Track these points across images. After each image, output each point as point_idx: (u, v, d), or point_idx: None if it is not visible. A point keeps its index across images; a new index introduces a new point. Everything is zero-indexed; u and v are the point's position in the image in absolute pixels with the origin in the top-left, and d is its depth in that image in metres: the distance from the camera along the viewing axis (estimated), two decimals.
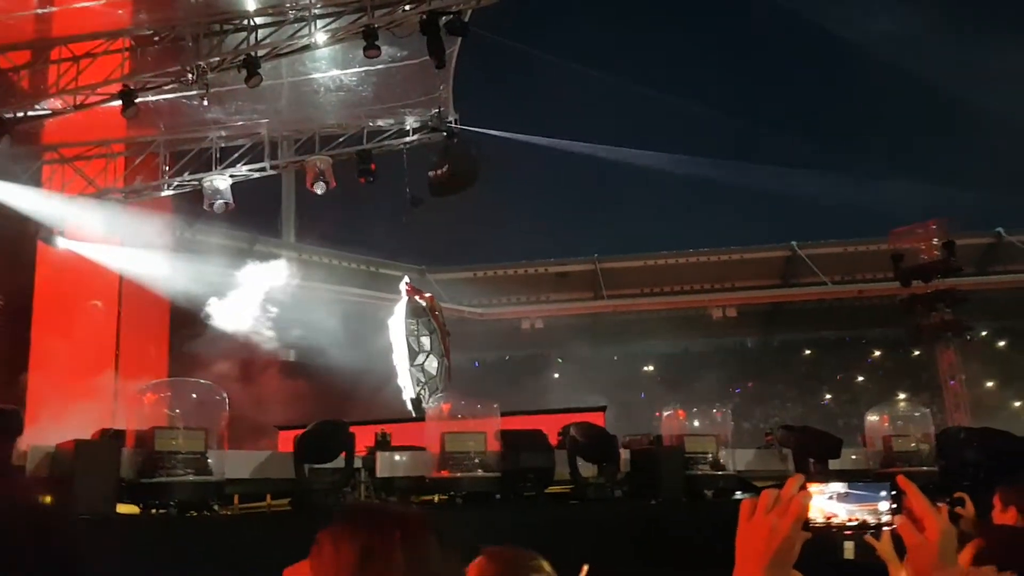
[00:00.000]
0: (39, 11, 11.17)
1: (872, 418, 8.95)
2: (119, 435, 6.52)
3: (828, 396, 30.87)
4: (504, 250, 29.55)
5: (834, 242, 29.29)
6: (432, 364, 12.57)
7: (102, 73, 11.30)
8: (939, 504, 1.46)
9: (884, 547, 2.09)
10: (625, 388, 23.46)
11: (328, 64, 11.76)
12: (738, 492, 7.98)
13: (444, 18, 10.35)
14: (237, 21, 10.78)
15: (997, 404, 25.80)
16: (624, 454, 8.17)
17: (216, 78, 11.23)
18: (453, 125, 13.11)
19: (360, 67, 11.64)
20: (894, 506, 1.45)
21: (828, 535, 1.42)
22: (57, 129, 13.05)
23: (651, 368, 29.96)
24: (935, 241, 21.94)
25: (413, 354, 12.49)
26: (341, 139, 13.72)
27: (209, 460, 6.47)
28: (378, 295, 18.66)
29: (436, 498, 7.70)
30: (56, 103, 11.85)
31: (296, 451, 7.15)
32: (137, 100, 11.15)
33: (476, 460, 7.65)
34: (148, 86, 11.28)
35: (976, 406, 22.89)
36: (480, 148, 13.71)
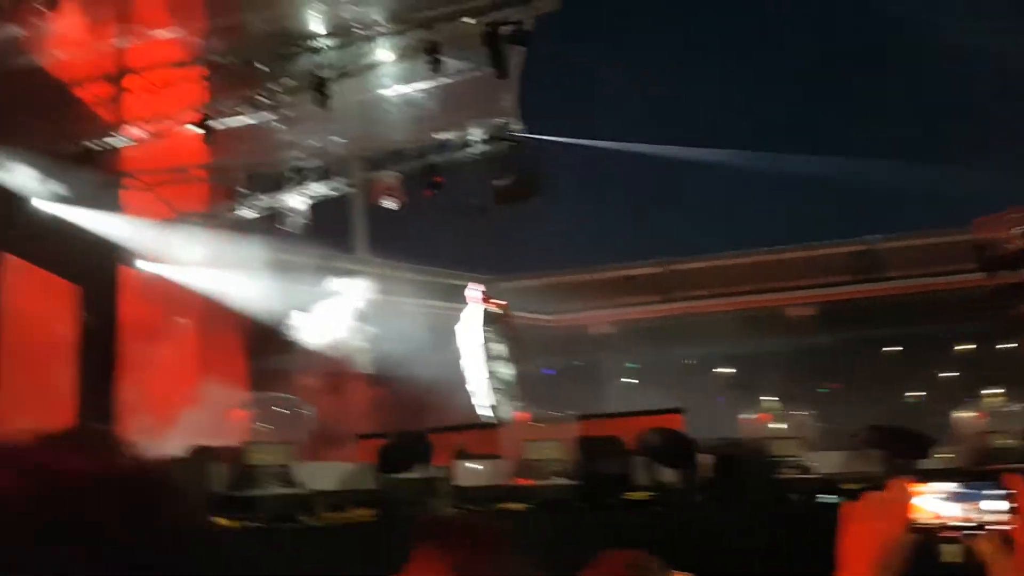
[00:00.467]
0: (117, 44, 11.67)
1: (962, 415, 8.65)
2: (212, 451, 6.75)
3: (913, 393, 29.82)
4: (570, 256, 29.49)
5: (913, 234, 28.34)
6: (507, 371, 12.63)
7: (179, 101, 11.78)
8: None
9: (989, 549, 2.02)
10: (699, 391, 23.12)
11: (394, 80, 11.98)
12: (826, 495, 7.79)
13: (505, 28, 10.45)
14: (306, 43, 11.09)
15: None
16: (704, 458, 8.06)
17: (288, 100, 11.59)
18: (518, 134, 13.20)
19: (425, 82, 11.83)
20: (1004, 506, 1.41)
21: (931, 537, 1.39)
22: (136, 156, 13.61)
23: (726, 370, 29.45)
24: (1021, 229, 21.06)
25: (488, 361, 12.57)
26: (407, 153, 13.95)
27: (297, 472, 6.65)
28: (450, 305, 18.87)
29: (515, 506, 7.74)
30: (135, 131, 12.43)
31: (378, 461, 7.30)
32: (213, 126, 11.60)
33: (555, 467, 7.67)
34: (223, 112, 11.71)
35: None
36: (545, 155, 13.77)
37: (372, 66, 11.25)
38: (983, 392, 22.29)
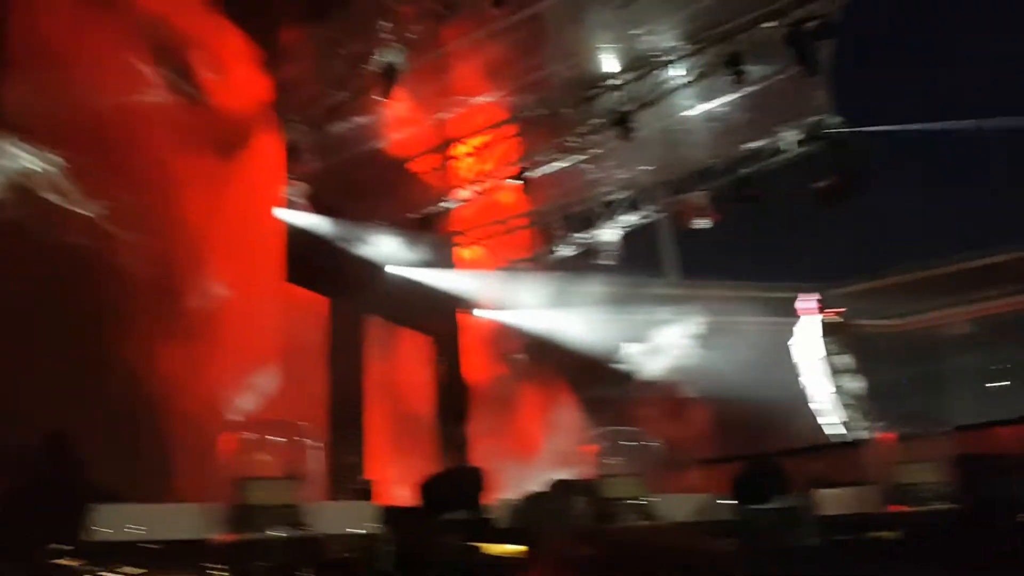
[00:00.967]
0: (441, 116, 12.86)
1: None
2: (572, 484, 7.03)
3: None
4: (906, 252, 26.65)
5: None
6: (855, 384, 11.70)
7: (498, 159, 12.73)
8: None
9: None
10: None
11: (696, 99, 11.83)
12: None
13: (809, 25, 9.87)
14: (607, 82, 11.39)
15: None
16: None
17: (594, 139, 11.98)
18: (835, 130, 12.30)
19: (729, 95, 11.53)
20: None
21: None
22: (464, 215, 14.91)
23: None
24: None
25: (833, 375, 11.75)
26: (715, 170, 13.63)
27: (653, 505, 6.69)
28: (778, 320, 18.07)
29: (889, 535, 7.08)
30: (462, 192, 13.67)
31: (733, 492, 7.06)
32: (530, 176, 12.34)
33: (933, 491, 6.89)
34: (538, 162, 12.42)
35: None
36: (869, 148, 12.64)
37: (672, 90, 11.21)
38: None
